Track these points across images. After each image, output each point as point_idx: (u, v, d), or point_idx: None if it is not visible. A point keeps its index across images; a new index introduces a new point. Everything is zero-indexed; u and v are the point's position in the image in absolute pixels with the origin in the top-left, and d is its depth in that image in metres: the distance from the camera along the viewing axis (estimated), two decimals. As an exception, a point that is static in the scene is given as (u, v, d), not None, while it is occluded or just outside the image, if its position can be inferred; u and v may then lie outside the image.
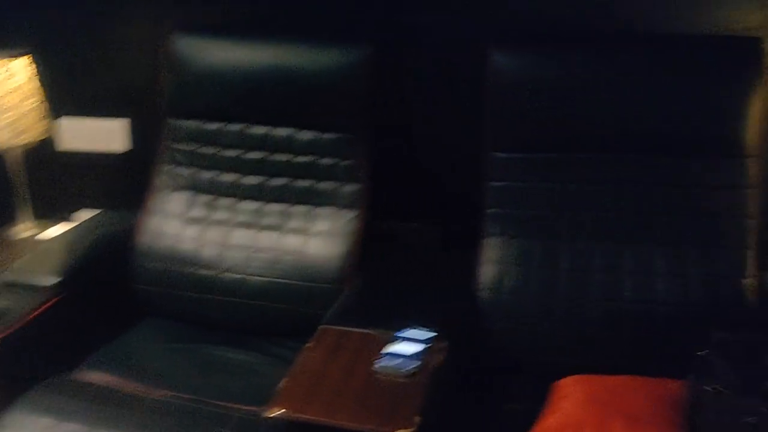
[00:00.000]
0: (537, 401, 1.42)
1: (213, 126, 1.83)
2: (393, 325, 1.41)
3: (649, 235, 1.56)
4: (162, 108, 1.87)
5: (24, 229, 2.11)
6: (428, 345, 1.35)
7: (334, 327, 1.44)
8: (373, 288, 1.64)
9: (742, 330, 1.33)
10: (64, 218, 2.15)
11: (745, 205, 1.53)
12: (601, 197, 1.59)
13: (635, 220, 1.57)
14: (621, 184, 1.58)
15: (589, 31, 1.73)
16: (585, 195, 1.60)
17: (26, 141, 2.01)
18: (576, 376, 1.44)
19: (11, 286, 1.64)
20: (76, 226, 1.97)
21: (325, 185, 1.78)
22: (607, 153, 1.59)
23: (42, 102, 2.05)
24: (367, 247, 1.75)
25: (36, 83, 2.03)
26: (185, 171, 1.86)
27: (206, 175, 1.84)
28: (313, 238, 1.76)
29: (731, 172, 1.54)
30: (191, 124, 1.84)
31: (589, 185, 1.60)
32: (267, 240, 1.79)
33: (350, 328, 1.44)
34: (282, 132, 1.80)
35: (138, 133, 2.12)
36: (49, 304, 1.61)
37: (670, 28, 1.73)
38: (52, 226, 2.11)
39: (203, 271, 1.80)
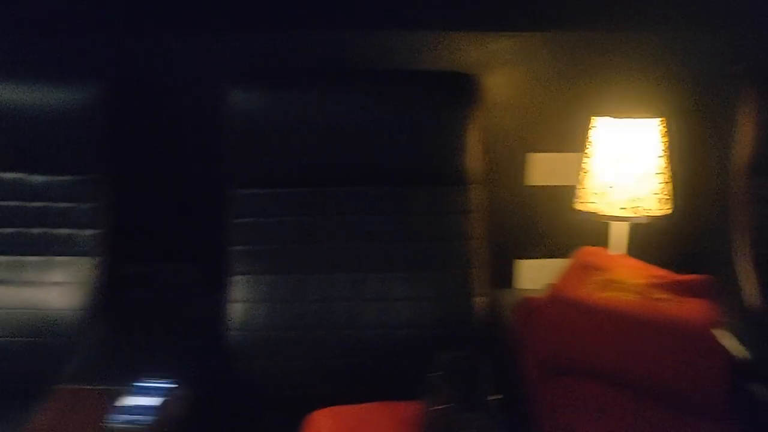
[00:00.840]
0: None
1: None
2: (132, 378, 1.34)
3: (387, 262, 1.63)
4: None
5: None
6: (167, 396, 1.30)
7: (67, 385, 1.34)
8: (115, 338, 1.56)
9: (468, 347, 1.42)
10: None
11: (471, 229, 1.65)
12: (341, 228, 1.64)
13: (374, 249, 1.64)
14: (359, 216, 1.64)
15: (321, 68, 1.78)
16: (327, 227, 1.64)
17: None
18: (326, 409, 1.45)
19: None
20: None
21: (61, 232, 1.66)
22: (345, 186, 1.65)
23: None
24: (117, 292, 1.66)
25: None
26: None
27: None
28: (50, 290, 1.63)
29: (456, 199, 1.65)
30: None
31: (330, 218, 1.64)
32: (-3, 296, 1.63)
33: (85, 385, 1.34)
34: (10, 176, 1.66)
35: None
36: None
37: (397, 65, 1.82)
38: None
39: None
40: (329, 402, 1.48)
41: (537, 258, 2.03)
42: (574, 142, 1.85)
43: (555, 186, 1.95)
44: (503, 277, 2.05)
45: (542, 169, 1.95)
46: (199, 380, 1.41)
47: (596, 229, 1.80)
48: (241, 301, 1.60)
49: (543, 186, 1.97)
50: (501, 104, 1.91)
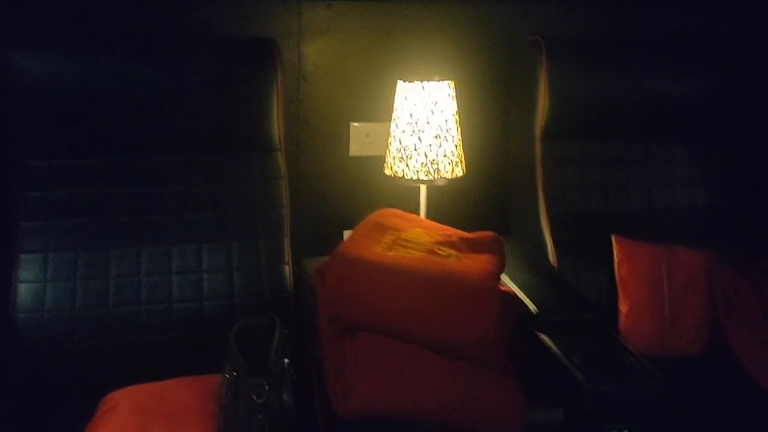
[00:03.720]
0: (89, 419, 1.34)
1: None
2: None
3: (195, 233, 1.59)
4: None
5: None
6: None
7: None
8: None
9: (266, 314, 1.40)
10: None
11: (278, 196, 1.64)
12: (145, 200, 1.58)
13: (181, 220, 1.59)
14: (163, 186, 1.59)
15: (119, 32, 1.70)
16: (129, 199, 1.58)
17: None
18: (126, 388, 1.40)
19: None
20: None
21: None
22: (146, 155, 1.59)
23: None
24: None
25: None
26: None
27: None
28: None
29: (263, 166, 1.64)
30: None
31: (133, 189, 1.58)
32: None
33: None
34: None
35: None
36: None
37: (209, 32, 1.77)
38: None
39: None
40: (135, 381, 1.42)
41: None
42: (389, 111, 1.87)
43: (376, 156, 1.96)
44: (333, 247, 2.05)
45: (365, 139, 1.96)
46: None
47: (413, 195, 1.83)
48: (32, 281, 1.51)
49: (366, 156, 1.97)
50: (321, 74, 1.91)
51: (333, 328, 1.30)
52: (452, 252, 1.37)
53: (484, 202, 2.07)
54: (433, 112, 1.61)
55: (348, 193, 2.01)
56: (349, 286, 1.27)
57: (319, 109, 1.94)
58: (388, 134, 1.77)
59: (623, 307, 1.67)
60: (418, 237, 1.41)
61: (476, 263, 1.33)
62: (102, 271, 1.55)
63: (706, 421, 1.42)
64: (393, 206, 1.69)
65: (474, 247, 1.41)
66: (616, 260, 1.71)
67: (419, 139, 1.62)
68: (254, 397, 1.24)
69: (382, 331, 1.26)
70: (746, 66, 1.95)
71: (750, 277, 1.69)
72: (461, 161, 1.69)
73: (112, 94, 1.54)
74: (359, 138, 1.96)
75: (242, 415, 1.25)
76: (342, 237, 2.05)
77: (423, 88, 1.61)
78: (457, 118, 1.69)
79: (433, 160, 1.62)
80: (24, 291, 1.50)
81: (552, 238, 1.75)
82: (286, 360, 1.30)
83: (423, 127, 1.62)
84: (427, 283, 1.26)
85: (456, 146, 1.66)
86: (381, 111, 1.92)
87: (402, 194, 1.92)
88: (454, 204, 1.99)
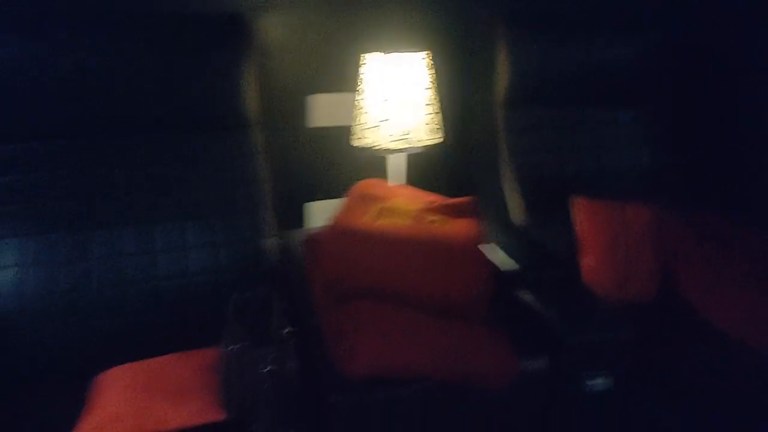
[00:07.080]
0: (81, 401, 1.34)
1: None
2: None
3: (175, 211, 1.60)
4: None
5: None
6: None
7: None
8: None
9: (261, 287, 1.43)
10: None
11: (257, 171, 1.66)
12: (124, 180, 1.58)
13: (160, 199, 1.60)
14: (142, 165, 1.60)
15: (86, 11, 1.66)
16: (107, 180, 1.57)
17: None
18: (118, 367, 1.40)
19: None
20: None
21: None
22: (123, 136, 1.59)
23: None
24: None
25: None
26: None
27: None
28: None
29: (240, 142, 1.66)
30: None
31: (111, 169, 1.58)
32: None
33: None
34: None
35: None
36: None
37: (167, 8, 1.75)
38: None
39: None
40: (127, 359, 1.42)
41: (325, 199, 2.07)
42: (351, 81, 1.89)
43: (336, 126, 1.99)
44: (294, 220, 2.08)
45: (323, 110, 1.98)
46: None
47: (377, 165, 1.88)
48: (9, 266, 1.48)
49: (325, 127, 2.00)
50: (278, 48, 1.91)
51: (328, 297, 1.35)
52: (436, 218, 1.43)
53: (449, 168, 2.13)
54: (409, 82, 1.65)
55: (307, 166, 2.03)
56: (345, 256, 1.32)
57: (275, 83, 1.95)
58: (350, 105, 1.80)
59: (585, 261, 1.79)
60: (402, 205, 1.47)
61: (460, 227, 1.40)
62: (83, 253, 1.53)
63: (667, 361, 1.55)
64: (356, 176, 1.73)
65: (456, 212, 1.48)
66: (576, 218, 1.82)
67: (394, 109, 1.66)
68: (260, 367, 1.28)
69: (378, 296, 1.31)
70: (683, 28, 2.08)
71: (692, 227, 1.83)
72: (441, 127, 1.74)
73: (75, 74, 1.51)
74: (316, 110, 1.98)
75: (248, 385, 1.28)
76: (302, 209, 2.08)
77: (396, 59, 1.65)
78: (434, 86, 1.73)
79: (410, 128, 1.67)
80: (1, 277, 1.47)
81: (516, 200, 1.84)
82: (289, 329, 1.34)
83: (397, 98, 1.66)
84: (418, 248, 1.32)
85: (434, 114, 1.72)
86: (338, 82, 1.95)
87: (366, 164, 1.96)
88: (425, 171, 2.05)
